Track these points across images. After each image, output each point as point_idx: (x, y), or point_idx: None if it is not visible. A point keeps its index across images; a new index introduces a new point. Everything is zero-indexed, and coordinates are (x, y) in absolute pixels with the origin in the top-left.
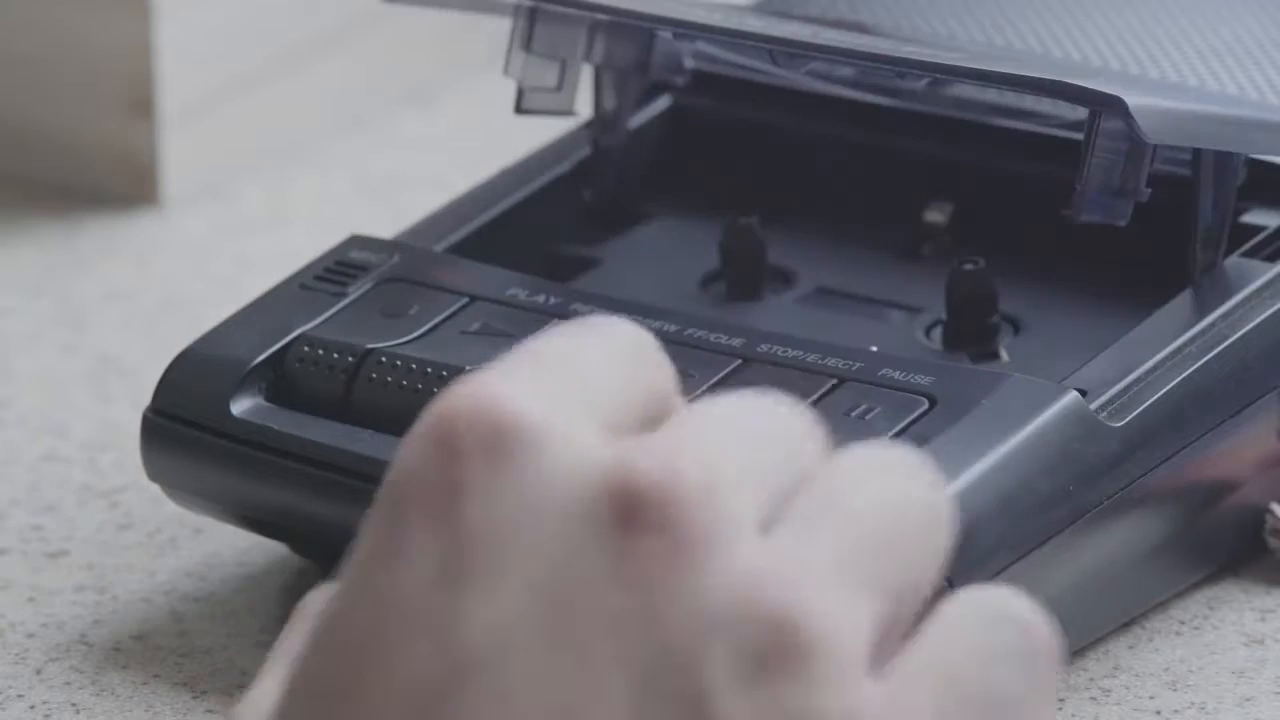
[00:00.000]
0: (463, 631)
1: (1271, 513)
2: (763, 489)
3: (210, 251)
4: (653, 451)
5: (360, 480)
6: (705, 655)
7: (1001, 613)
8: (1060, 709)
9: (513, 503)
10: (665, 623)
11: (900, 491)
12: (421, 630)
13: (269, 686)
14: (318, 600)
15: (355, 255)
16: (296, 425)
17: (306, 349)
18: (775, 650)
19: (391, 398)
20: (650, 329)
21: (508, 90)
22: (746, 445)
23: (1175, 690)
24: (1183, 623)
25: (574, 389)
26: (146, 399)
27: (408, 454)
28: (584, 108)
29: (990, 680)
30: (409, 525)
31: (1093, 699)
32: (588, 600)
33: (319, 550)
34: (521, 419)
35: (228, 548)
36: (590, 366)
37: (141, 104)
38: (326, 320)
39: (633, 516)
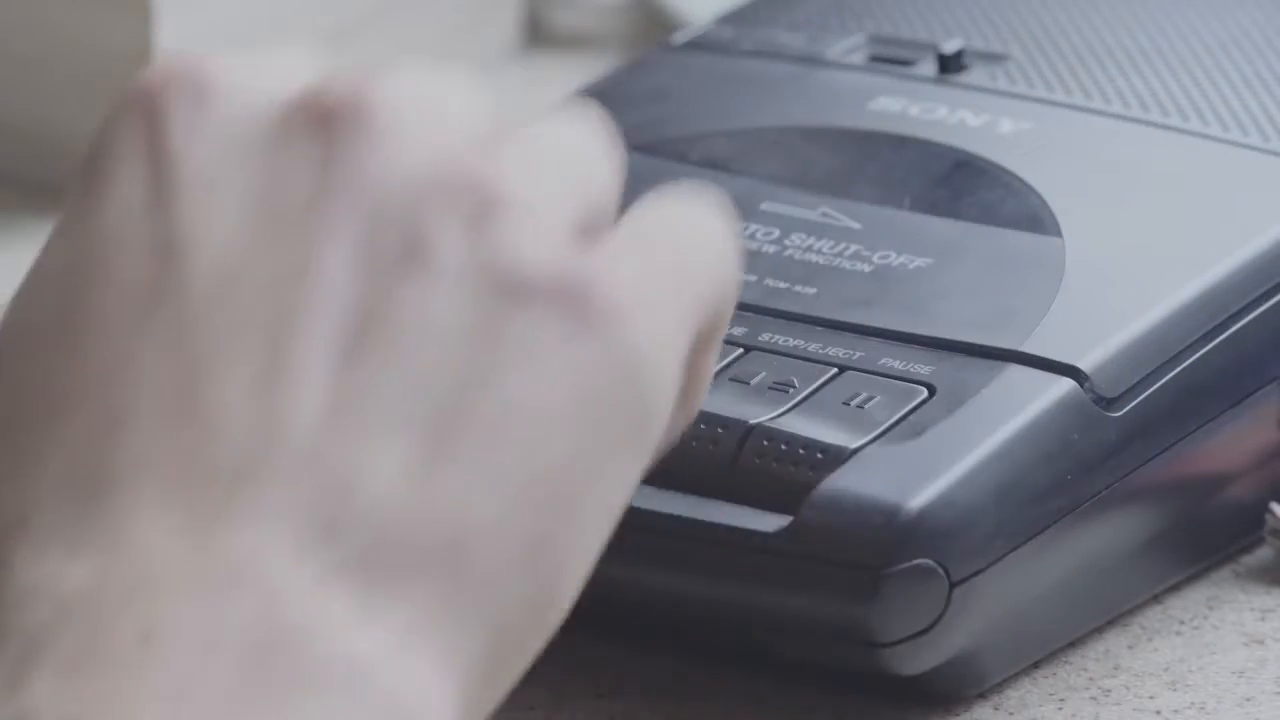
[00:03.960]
0: (179, 228)
1: (1272, 512)
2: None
3: None
4: (340, 83)
5: None
6: (421, 210)
7: (695, 201)
8: (1060, 709)
9: (211, 131)
10: (378, 190)
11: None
12: (136, 241)
13: None
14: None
15: None
16: None
17: None
18: (483, 202)
19: None
20: None
21: (508, 90)
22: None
23: (1175, 690)
24: (1183, 623)
25: (262, 62)
26: None
27: (111, 111)
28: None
29: (685, 249)
30: (116, 160)
31: (1093, 699)
32: (300, 184)
33: None
34: (215, 71)
35: None
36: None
37: None
38: None
39: (332, 112)
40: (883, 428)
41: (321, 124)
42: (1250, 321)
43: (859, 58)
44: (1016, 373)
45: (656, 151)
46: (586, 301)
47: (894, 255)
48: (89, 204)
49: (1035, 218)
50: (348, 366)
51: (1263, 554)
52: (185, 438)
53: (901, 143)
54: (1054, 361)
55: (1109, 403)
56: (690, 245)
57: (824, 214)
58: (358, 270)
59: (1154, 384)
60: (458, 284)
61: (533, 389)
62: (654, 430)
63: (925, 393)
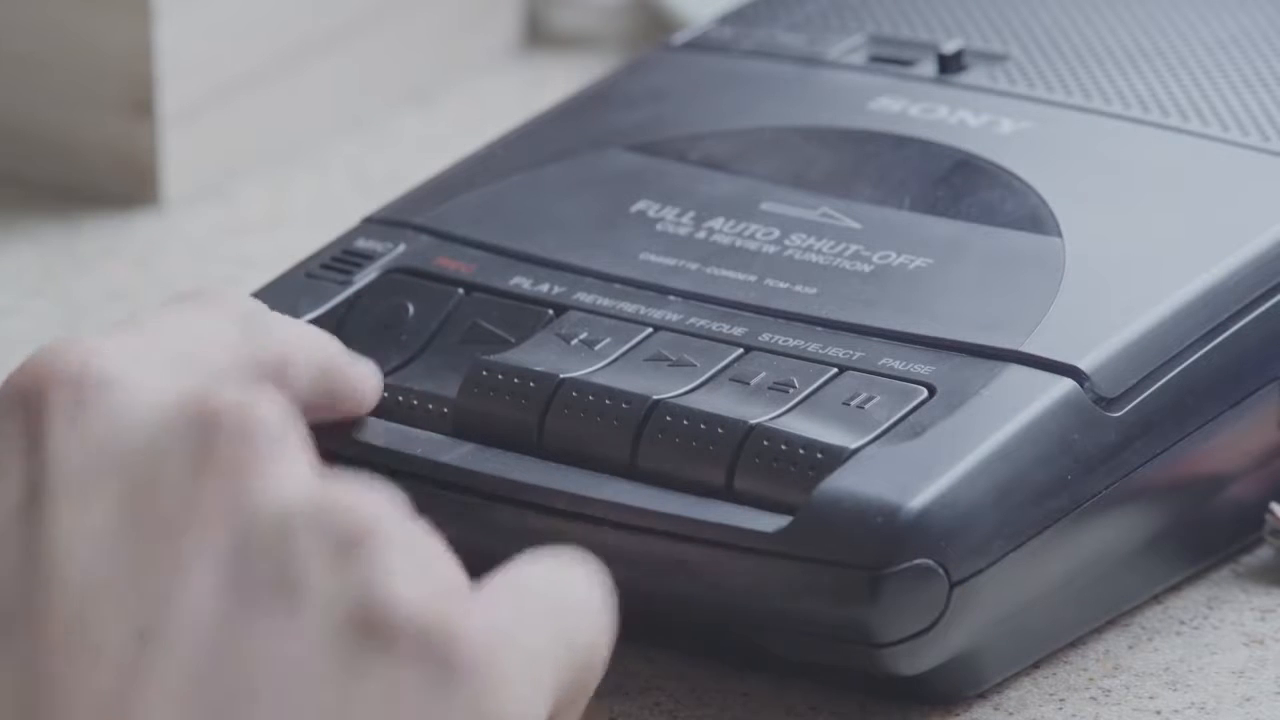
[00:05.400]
0: (48, 538)
1: (1272, 512)
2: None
3: (210, 251)
4: (228, 391)
5: (359, 469)
6: (291, 539)
7: (570, 561)
8: (1060, 709)
9: (94, 432)
10: (251, 512)
11: None
12: (6, 549)
13: None
14: None
15: (361, 244)
16: None
17: None
18: (352, 534)
19: None
20: (652, 317)
21: (508, 90)
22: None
23: (1175, 690)
24: (1183, 623)
25: (157, 350)
26: None
27: None
28: (572, 81)
29: (558, 606)
30: None
31: (1093, 699)
32: (174, 497)
33: None
34: (95, 367)
35: None
36: (182, 333)
37: (141, 104)
38: (329, 310)
39: (214, 424)
40: (883, 428)
41: (202, 434)
42: (1250, 321)
43: (859, 58)
44: (1016, 373)
45: (656, 151)
46: (452, 653)
47: (894, 255)
48: None
49: (1035, 218)
50: (197, 708)
51: (1263, 554)
52: None
53: (901, 143)
54: (1054, 361)
55: (1109, 403)
56: (563, 603)
57: (824, 214)
58: (222, 599)
59: (1154, 384)
60: (322, 623)
61: None
62: None
63: (925, 393)
